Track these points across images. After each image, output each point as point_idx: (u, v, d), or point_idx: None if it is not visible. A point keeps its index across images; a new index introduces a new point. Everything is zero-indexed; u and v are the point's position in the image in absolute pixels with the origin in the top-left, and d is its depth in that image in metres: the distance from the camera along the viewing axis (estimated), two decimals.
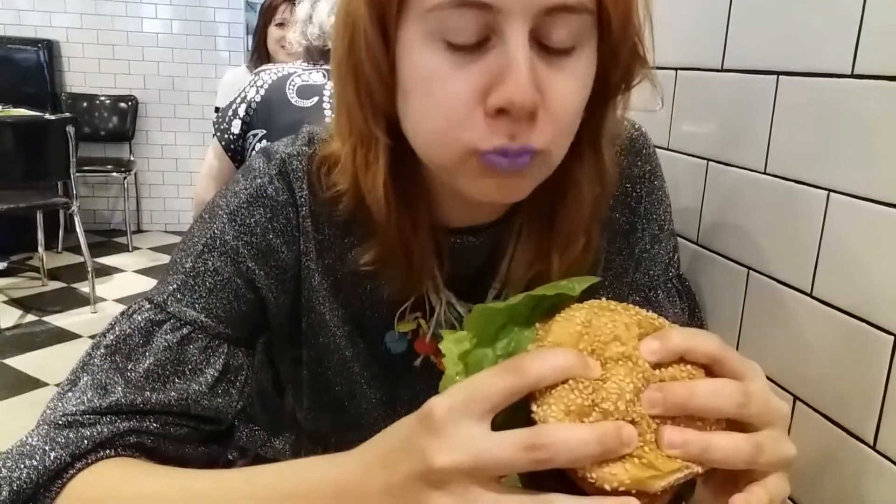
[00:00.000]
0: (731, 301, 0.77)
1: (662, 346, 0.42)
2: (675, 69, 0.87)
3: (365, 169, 0.59)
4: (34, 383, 2.95)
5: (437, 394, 0.43)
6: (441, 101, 0.52)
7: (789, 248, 0.69)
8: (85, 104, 4.95)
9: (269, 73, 1.43)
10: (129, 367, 0.60)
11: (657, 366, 0.42)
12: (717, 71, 0.79)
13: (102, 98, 4.99)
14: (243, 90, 1.43)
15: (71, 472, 0.55)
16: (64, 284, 4.10)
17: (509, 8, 0.48)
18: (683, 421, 0.41)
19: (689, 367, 0.43)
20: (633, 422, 0.40)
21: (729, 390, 0.42)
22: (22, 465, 0.54)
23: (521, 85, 0.49)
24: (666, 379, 0.42)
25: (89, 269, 3.68)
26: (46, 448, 0.55)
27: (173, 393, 0.60)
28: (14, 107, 3.94)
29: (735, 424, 0.43)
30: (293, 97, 1.39)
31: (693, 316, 0.77)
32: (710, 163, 0.81)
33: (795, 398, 0.68)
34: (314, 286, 0.68)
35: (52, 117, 3.64)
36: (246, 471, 0.55)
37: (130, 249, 4.84)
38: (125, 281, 4.25)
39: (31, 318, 3.62)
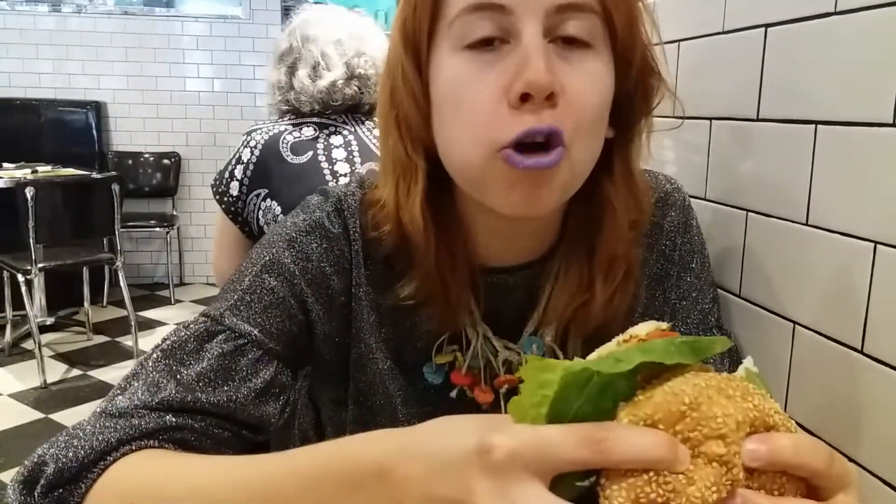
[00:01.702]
0: (776, 356, 0.74)
1: (769, 456, 0.37)
2: (710, 119, 0.86)
3: (406, 198, 0.64)
4: None
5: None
6: (468, 103, 0.58)
7: (836, 302, 0.66)
8: (130, 162, 5.10)
9: (261, 133, 1.40)
10: (182, 370, 0.63)
11: (751, 469, 0.37)
12: (753, 120, 0.78)
13: (147, 155, 5.14)
14: (237, 152, 1.41)
15: (115, 455, 0.57)
16: (108, 338, 4.17)
17: (522, 8, 0.55)
18: None
19: (784, 479, 0.38)
20: None
21: None
22: (70, 445, 0.57)
23: (538, 68, 0.54)
24: (754, 487, 0.37)
25: (133, 323, 3.75)
26: (95, 431, 0.57)
27: (222, 396, 0.63)
28: (63, 167, 4.08)
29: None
30: (287, 155, 1.38)
31: (734, 369, 0.75)
32: (749, 213, 0.79)
33: (851, 459, 0.65)
34: (363, 318, 0.71)
35: (99, 176, 3.76)
36: (282, 453, 0.54)
37: (173, 302, 4.92)
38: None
39: (76, 372, 3.68)
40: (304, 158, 1.37)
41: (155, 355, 0.65)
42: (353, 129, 1.43)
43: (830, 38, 0.66)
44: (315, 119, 1.42)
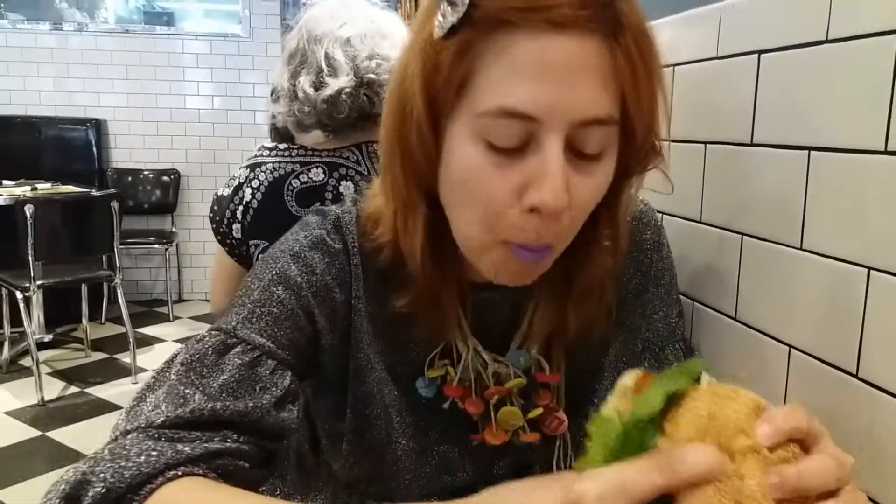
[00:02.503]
0: (772, 380, 0.75)
1: (774, 429, 0.43)
2: (705, 143, 0.87)
3: (405, 231, 0.67)
4: (76, 456, 2.97)
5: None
6: (481, 197, 0.59)
7: (831, 326, 0.67)
8: (130, 179, 5.11)
9: (266, 172, 1.25)
10: (205, 381, 0.64)
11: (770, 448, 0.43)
12: (747, 145, 0.78)
13: (146, 172, 5.15)
14: (239, 188, 1.27)
15: (161, 479, 0.57)
16: (106, 355, 4.16)
17: (547, 120, 0.55)
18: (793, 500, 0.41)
19: (791, 445, 0.43)
20: None
21: (832, 467, 0.43)
22: (117, 465, 0.57)
23: (556, 190, 0.56)
24: (775, 461, 0.42)
25: (131, 340, 3.74)
26: (141, 453, 0.58)
27: (248, 403, 0.64)
28: (62, 184, 4.09)
29: None
30: (292, 204, 1.24)
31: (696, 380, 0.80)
32: (744, 237, 0.79)
33: None
34: (362, 329, 0.74)
35: (98, 193, 3.76)
36: None
37: (171, 319, 4.91)
38: (165, 351, 4.30)
39: (73, 389, 3.67)
40: (308, 211, 1.24)
41: (175, 368, 0.65)
42: (365, 170, 1.27)
43: (823, 66, 0.68)
44: (325, 158, 1.27)
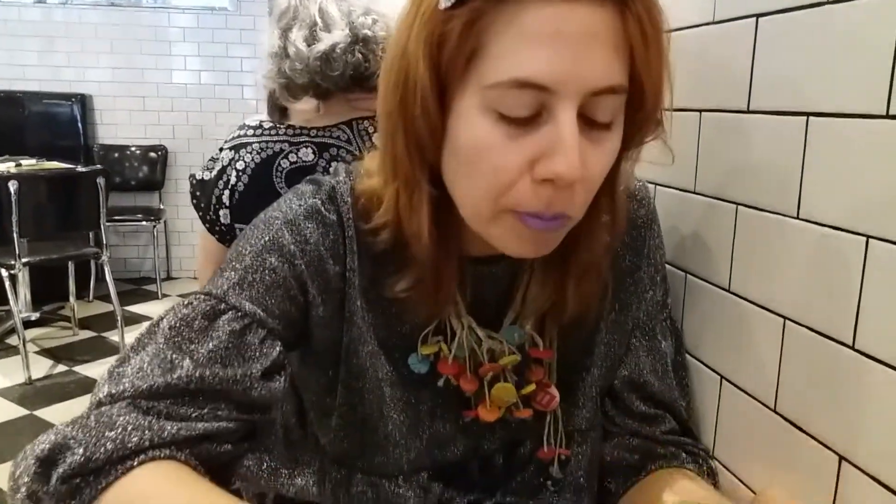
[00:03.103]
0: (767, 352, 0.73)
1: None
2: (700, 111, 0.84)
3: (409, 211, 0.65)
4: None
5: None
6: (493, 169, 0.58)
7: (827, 297, 0.65)
8: (116, 155, 5.05)
9: (251, 152, 1.19)
10: (193, 346, 0.63)
11: None
12: (743, 112, 0.76)
13: (133, 149, 5.09)
14: (224, 171, 1.22)
15: (142, 457, 0.57)
16: (94, 334, 4.14)
17: (560, 90, 0.55)
18: None
19: None
20: None
21: None
22: (100, 435, 0.56)
23: (571, 161, 0.55)
24: None
25: (119, 318, 3.71)
26: (126, 426, 0.57)
27: (237, 371, 0.63)
28: (48, 160, 4.03)
29: None
30: (282, 186, 1.18)
31: (678, 353, 0.86)
32: (739, 207, 0.78)
33: (841, 459, 0.64)
34: (355, 302, 0.73)
35: (84, 169, 3.72)
36: None
37: (160, 297, 4.88)
38: None
39: (61, 368, 3.64)
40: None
41: (163, 331, 0.64)
42: (356, 149, 1.23)
43: (823, 28, 0.65)
44: (315, 138, 1.22)
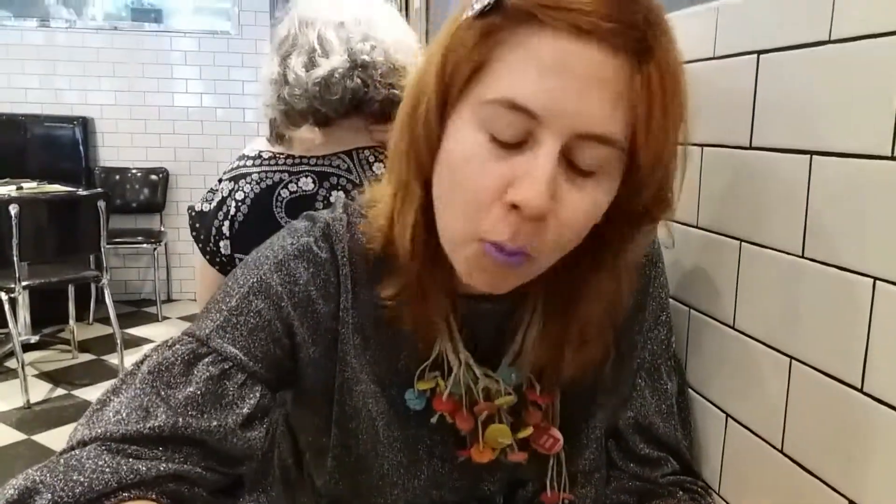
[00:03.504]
0: (774, 391, 0.72)
1: None
2: (702, 146, 0.84)
3: (399, 213, 0.66)
4: None
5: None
6: (470, 183, 0.58)
7: (835, 338, 0.64)
8: (118, 177, 5.06)
9: (250, 183, 1.19)
10: (170, 392, 0.62)
11: None
12: (746, 149, 0.76)
13: (134, 171, 5.10)
14: (224, 203, 1.20)
15: (113, 499, 0.56)
16: (94, 357, 4.12)
17: (549, 122, 0.54)
18: None
19: None
20: None
21: None
22: (69, 479, 0.55)
23: (537, 189, 0.54)
24: None
25: (118, 341, 3.70)
26: (96, 469, 0.56)
27: (212, 422, 0.62)
28: (49, 182, 4.04)
29: None
30: (282, 216, 1.16)
31: (682, 392, 0.85)
32: (742, 243, 0.77)
33: (851, 500, 0.62)
34: (349, 341, 0.72)
35: (85, 193, 3.72)
36: None
37: (160, 319, 4.87)
38: None
39: (60, 391, 3.62)
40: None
41: (141, 375, 0.64)
42: (357, 178, 1.20)
43: (825, 67, 0.65)
44: (315, 167, 1.21)
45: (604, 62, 0.54)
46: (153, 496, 0.58)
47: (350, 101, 1.17)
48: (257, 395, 0.66)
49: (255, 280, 0.69)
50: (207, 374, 0.64)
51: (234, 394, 0.65)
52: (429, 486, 0.77)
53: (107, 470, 0.57)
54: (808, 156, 0.67)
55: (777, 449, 0.72)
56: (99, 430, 0.59)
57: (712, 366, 0.83)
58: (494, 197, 0.57)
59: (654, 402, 0.80)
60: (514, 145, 0.56)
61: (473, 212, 0.58)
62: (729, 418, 0.80)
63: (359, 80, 1.16)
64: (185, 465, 0.61)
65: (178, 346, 0.66)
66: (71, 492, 0.55)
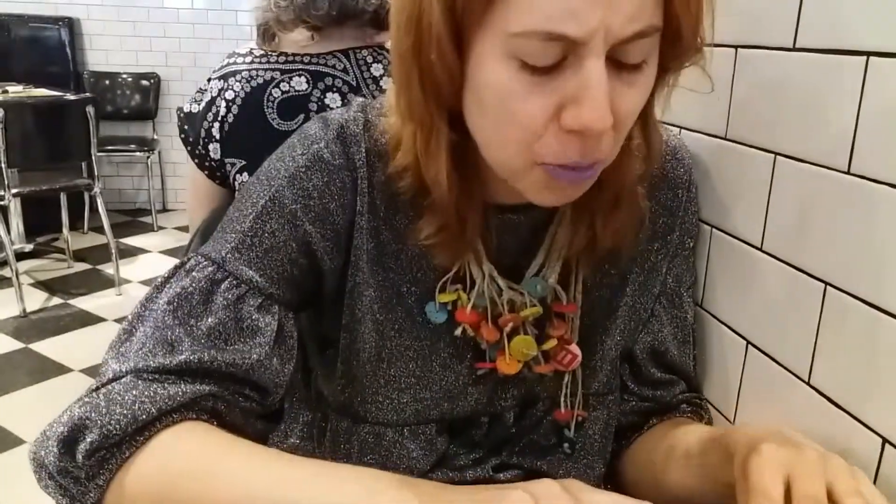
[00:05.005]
0: (804, 319, 0.66)
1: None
2: (735, 47, 0.75)
3: (426, 156, 0.62)
4: (59, 369, 2.93)
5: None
6: (517, 118, 0.55)
7: (870, 256, 0.58)
8: (107, 82, 4.91)
9: (240, 81, 1.13)
10: (192, 323, 0.63)
11: None
12: (789, 50, 0.67)
13: (125, 76, 4.94)
14: (213, 103, 1.15)
15: (157, 425, 0.58)
16: (89, 266, 4.09)
17: (594, 40, 0.51)
18: None
19: None
20: None
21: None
22: (112, 412, 0.57)
23: (598, 110, 0.52)
24: None
25: (113, 250, 3.66)
26: (135, 400, 0.58)
27: (236, 355, 0.63)
28: (36, 87, 3.90)
29: None
30: (273, 117, 1.11)
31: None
32: (777, 157, 0.69)
33: (885, 442, 0.58)
34: (362, 246, 0.70)
35: (73, 97, 3.60)
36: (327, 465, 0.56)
37: (156, 229, 4.82)
38: (150, 262, 4.23)
39: (56, 300, 3.61)
40: (293, 123, 1.12)
41: (162, 305, 0.64)
42: (354, 80, 1.15)
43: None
44: (309, 65, 1.14)
45: None
46: (193, 415, 0.60)
47: (339, 13, 1.13)
48: (276, 316, 0.66)
49: (268, 198, 0.68)
50: (225, 301, 0.64)
51: (253, 317, 0.65)
52: (440, 399, 0.76)
53: (146, 399, 0.58)
54: (865, 57, 0.58)
55: (804, 381, 0.66)
56: (130, 365, 0.61)
57: (734, 290, 0.78)
58: (548, 121, 0.54)
59: (671, 329, 0.79)
60: (552, 67, 0.53)
61: (527, 142, 0.56)
62: (749, 345, 0.75)
63: None
64: (221, 391, 0.63)
65: (195, 272, 0.66)
66: (118, 424, 0.57)
